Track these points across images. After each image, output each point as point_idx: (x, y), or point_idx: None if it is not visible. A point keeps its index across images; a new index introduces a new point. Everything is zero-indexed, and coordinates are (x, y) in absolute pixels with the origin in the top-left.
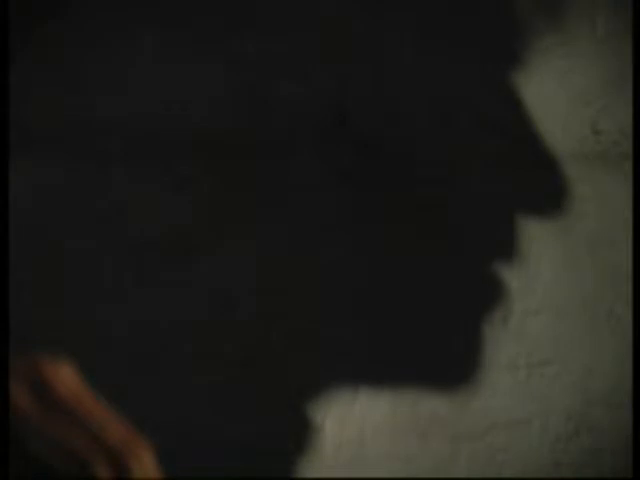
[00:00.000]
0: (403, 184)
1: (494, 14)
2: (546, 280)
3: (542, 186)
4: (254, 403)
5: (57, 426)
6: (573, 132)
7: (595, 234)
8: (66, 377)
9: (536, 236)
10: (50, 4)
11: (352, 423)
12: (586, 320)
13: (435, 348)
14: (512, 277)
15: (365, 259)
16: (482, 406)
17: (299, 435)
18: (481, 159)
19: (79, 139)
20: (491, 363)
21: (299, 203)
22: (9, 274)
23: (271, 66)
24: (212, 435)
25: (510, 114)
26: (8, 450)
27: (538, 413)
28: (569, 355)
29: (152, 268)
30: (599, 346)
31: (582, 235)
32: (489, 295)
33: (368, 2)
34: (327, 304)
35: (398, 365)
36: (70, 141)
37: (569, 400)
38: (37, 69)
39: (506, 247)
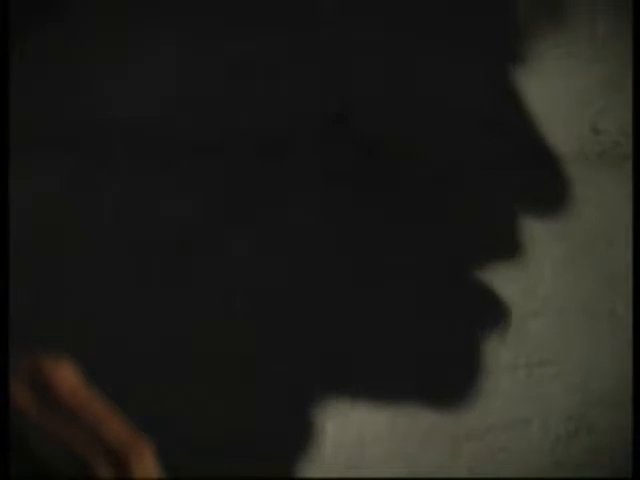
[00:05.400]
0: (403, 184)
1: (494, 14)
2: (546, 280)
3: (542, 186)
4: (254, 403)
5: (58, 426)
6: (573, 132)
7: (595, 234)
8: (67, 377)
9: (536, 236)
10: (50, 4)
11: (352, 423)
12: (586, 320)
13: (435, 349)
14: (512, 277)
15: (365, 259)
16: (482, 406)
17: (299, 435)
18: (481, 159)
19: (79, 139)
20: (491, 363)
21: (299, 203)
22: (9, 273)
23: (271, 66)
24: (212, 435)
25: (510, 114)
26: (9, 450)
27: (538, 413)
28: (569, 355)
29: (152, 268)
30: (599, 346)
31: (582, 235)
32: (489, 295)
33: (368, 2)
34: (327, 304)
35: (398, 365)
36: (70, 141)
37: (569, 400)
38: (37, 69)
39: (506, 247)
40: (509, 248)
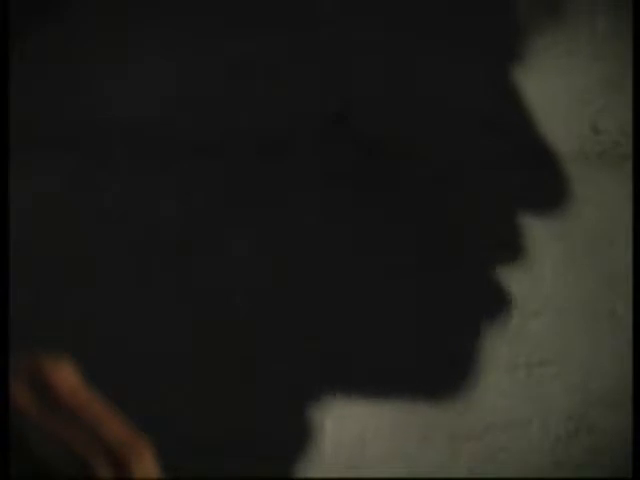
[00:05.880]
0: (403, 184)
1: (494, 14)
2: (546, 280)
3: (542, 186)
4: (254, 403)
5: (58, 426)
6: (573, 131)
7: (595, 234)
8: (66, 377)
9: (536, 236)
10: (50, 4)
11: (352, 423)
12: (586, 320)
13: (435, 348)
14: (512, 277)
15: (365, 259)
16: (482, 406)
17: (299, 435)
18: (481, 159)
19: (79, 139)
20: (491, 363)
21: (299, 203)
22: (9, 273)
23: (271, 66)
24: (212, 435)
25: (510, 114)
26: (9, 450)
27: (538, 413)
28: (569, 355)
29: (152, 268)
30: (599, 346)
31: (582, 235)
32: (489, 295)
33: (368, 2)
34: (327, 304)
35: (398, 365)
36: (70, 141)
37: (569, 400)
38: (37, 69)
39: (506, 247)
40: (509, 248)
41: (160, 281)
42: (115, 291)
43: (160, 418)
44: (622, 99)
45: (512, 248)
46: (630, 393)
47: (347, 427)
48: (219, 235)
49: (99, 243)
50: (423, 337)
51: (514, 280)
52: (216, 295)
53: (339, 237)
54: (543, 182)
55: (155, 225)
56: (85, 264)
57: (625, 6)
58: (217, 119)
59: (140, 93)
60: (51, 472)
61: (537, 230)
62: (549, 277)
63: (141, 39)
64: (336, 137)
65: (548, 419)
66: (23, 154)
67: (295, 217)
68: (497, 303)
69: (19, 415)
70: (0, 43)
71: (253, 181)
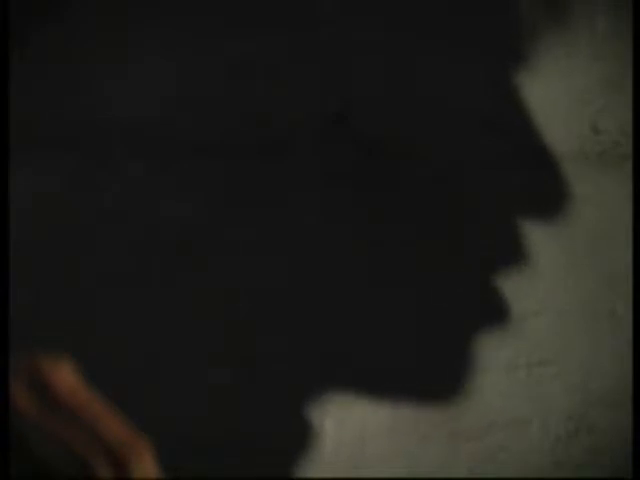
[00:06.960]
0: (403, 184)
1: (494, 14)
2: (546, 280)
3: (542, 186)
4: (254, 403)
5: (57, 426)
6: (573, 131)
7: (595, 234)
8: (66, 377)
9: (536, 236)
10: (50, 4)
11: (352, 423)
12: (586, 320)
13: (435, 349)
14: (512, 277)
15: (365, 259)
16: (482, 406)
17: (299, 435)
18: (481, 159)
19: (79, 139)
20: (491, 363)
21: (299, 203)
22: (9, 273)
23: (271, 66)
24: (212, 434)
25: (510, 114)
26: (9, 450)
27: (538, 413)
28: (569, 355)
29: (152, 268)
30: (599, 346)
31: (582, 235)
32: (489, 295)
33: (368, 2)
34: (327, 304)
35: (398, 365)
36: (70, 141)
37: (569, 400)
38: (37, 69)
39: (506, 247)
40: (509, 248)
41: (160, 281)
42: (115, 291)
43: (160, 418)
44: (622, 99)
45: (512, 248)
46: (630, 393)
47: (347, 427)
48: (219, 235)
49: (99, 243)
50: (423, 337)
51: (514, 280)
52: (216, 295)
53: (339, 237)
54: (543, 182)
55: (155, 225)
56: (85, 264)
57: (625, 6)
58: (217, 119)
59: (140, 93)
60: (51, 472)
61: (537, 230)
62: (549, 277)
63: (141, 39)
64: (336, 137)
65: (548, 419)
66: (23, 154)
67: (295, 217)
68: (497, 303)
69: (19, 415)
70: (0, 43)
71: (253, 181)
